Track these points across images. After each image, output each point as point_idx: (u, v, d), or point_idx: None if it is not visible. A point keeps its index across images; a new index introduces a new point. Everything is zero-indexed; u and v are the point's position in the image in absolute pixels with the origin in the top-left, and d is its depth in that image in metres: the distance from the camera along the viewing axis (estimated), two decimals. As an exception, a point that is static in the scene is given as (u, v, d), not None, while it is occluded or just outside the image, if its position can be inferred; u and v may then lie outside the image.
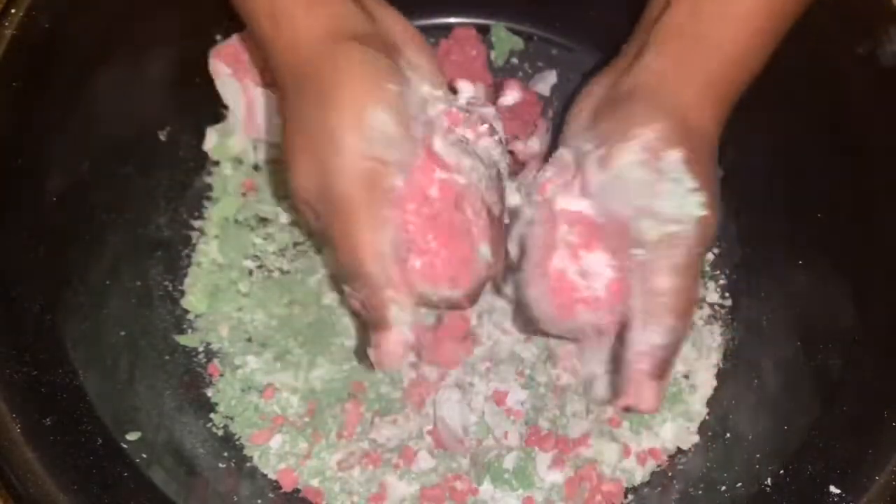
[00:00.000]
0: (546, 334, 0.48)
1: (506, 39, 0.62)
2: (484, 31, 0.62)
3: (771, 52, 0.42)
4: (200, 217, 0.58)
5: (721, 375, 0.54)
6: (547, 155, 0.59)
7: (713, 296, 0.56)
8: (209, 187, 0.59)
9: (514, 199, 0.45)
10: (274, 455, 0.51)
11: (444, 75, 0.43)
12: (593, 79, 0.46)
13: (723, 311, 0.56)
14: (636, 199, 0.37)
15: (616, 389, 0.41)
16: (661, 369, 0.39)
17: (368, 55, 0.37)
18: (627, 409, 0.40)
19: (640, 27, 0.45)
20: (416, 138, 0.39)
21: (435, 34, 0.62)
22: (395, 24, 0.41)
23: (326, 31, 0.37)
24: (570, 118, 0.46)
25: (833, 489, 0.42)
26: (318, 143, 0.37)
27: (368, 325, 0.41)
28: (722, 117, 0.41)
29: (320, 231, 0.40)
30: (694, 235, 0.37)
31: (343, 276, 0.40)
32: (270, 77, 0.54)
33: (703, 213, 0.36)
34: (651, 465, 0.52)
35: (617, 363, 0.41)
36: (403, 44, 0.40)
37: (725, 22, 0.39)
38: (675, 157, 0.36)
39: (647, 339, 0.38)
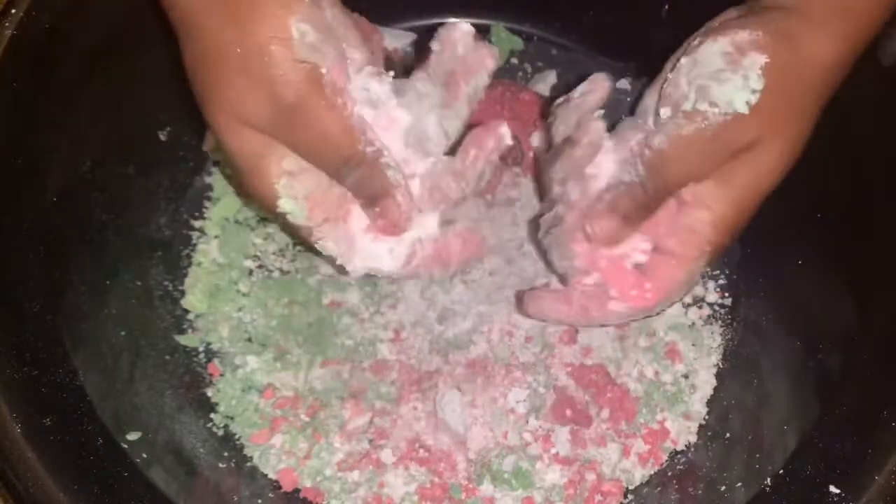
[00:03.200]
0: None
1: (506, 39, 0.62)
2: (484, 31, 0.62)
3: None
4: (201, 217, 0.58)
5: (721, 375, 0.54)
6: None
7: (713, 296, 0.56)
8: (209, 187, 0.59)
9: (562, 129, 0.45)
10: (274, 455, 0.51)
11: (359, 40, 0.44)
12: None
13: (723, 311, 0.56)
14: (700, 78, 0.38)
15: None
16: (615, 203, 0.41)
17: None
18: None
19: None
20: (336, 41, 0.40)
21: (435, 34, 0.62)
22: None
23: None
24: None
25: (833, 489, 0.42)
26: (248, 63, 0.38)
27: (367, 204, 0.42)
28: (845, 54, 0.40)
29: (254, 149, 0.40)
30: (719, 123, 0.37)
31: (331, 170, 0.41)
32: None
33: (744, 110, 0.37)
34: (651, 465, 0.52)
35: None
36: None
37: None
38: (757, 58, 0.37)
39: (617, 178, 0.41)
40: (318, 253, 0.44)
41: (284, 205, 0.41)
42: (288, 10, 0.38)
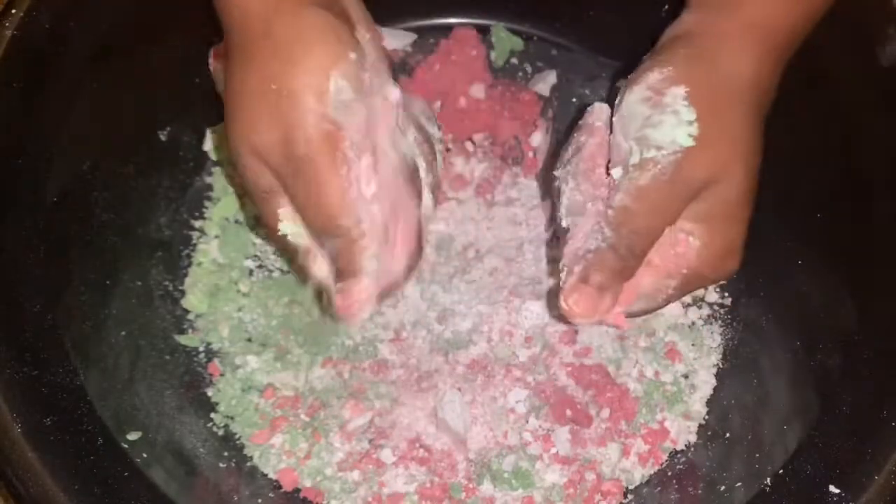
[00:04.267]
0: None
1: (506, 40, 0.62)
2: (484, 31, 0.62)
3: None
4: (201, 217, 0.58)
5: (721, 375, 0.54)
6: (550, 151, 0.59)
7: (713, 296, 0.56)
8: (209, 187, 0.59)
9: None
10: (274, 455, 0.52)
11: (388, 62, 0.44)
12: None
13: (722, 311, 0.56)
14: (635, 129, 0.38)
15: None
16: (589, 274, 0.39)
17: (330, 21, 0.39)
18: (563, 318, 0.41)
19: None
20: (370, 106, 0.40)
21: (435, 34, 0.62)
22: (352, 3, 0.42)
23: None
24: None
25: (832, 489, 0.42)
26: (280, 102, 0.38)
27: (336, 275, 0.42)
28: (766, 62, 0.39)
29: (266, 186, 0.41)
30: (671, 163, 0.37)
31: (314, 230, 0.41)
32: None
33: (690, 143, 0.36)
34: (651, 465, 0.52)
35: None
36: (357, 21, 0.42)
37: None
38: (676, 91, 0.37)
39: (585, 246, 0.40)
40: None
41: (284, 228, 0.41)
42: (332, 62, 0.38)
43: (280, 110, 0.38)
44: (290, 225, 0.41)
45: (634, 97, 0.38)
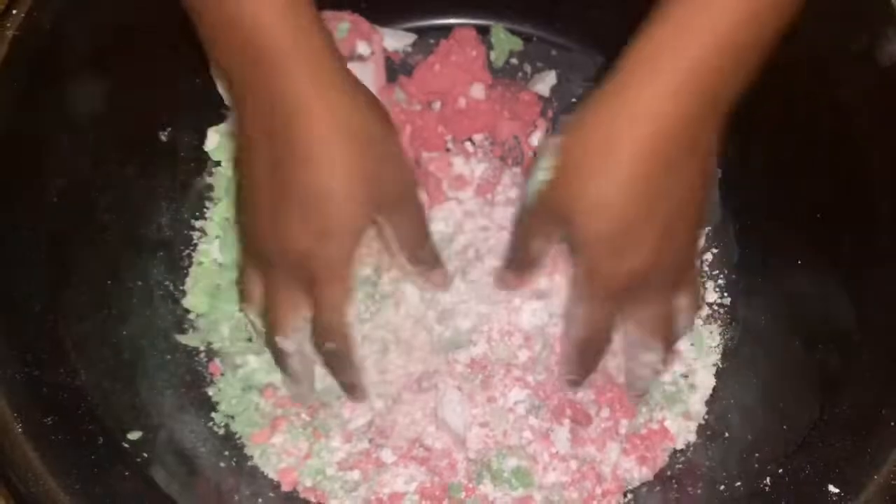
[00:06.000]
0: None
1: (505, 40, 0.62)
2: (484, 31, 0.62)
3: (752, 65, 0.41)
4: (202, 217, 0.58)
5: (720, 375, 0.54)
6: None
7: (712, 295, 0.57)
8: (210, 188, 0.59)
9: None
10: (274, 454, 0.52)
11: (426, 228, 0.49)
12: None
13: (722, 311, 0.56)
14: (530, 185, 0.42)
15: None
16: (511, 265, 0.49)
17: (355, 121, 0.41)
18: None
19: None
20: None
21: (435, 34, 0.62)
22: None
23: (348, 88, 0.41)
24: None
25: (832, 488, 0.42)
26: (307, 202, 0.40)
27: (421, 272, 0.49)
28: (685, 99, 0.38)
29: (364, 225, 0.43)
30: (533, 205, 0.41)
31: (412, 252, 0.48)
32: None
33: (538, 181, 0.40)
34: (651, 465, 0.52)
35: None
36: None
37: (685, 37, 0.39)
38: (552, 142, 0.40)
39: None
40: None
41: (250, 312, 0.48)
42: (356, 165, 0.41)
43: (307, 212, 0.40)
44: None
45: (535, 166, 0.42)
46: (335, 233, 0.41)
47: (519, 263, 0.49)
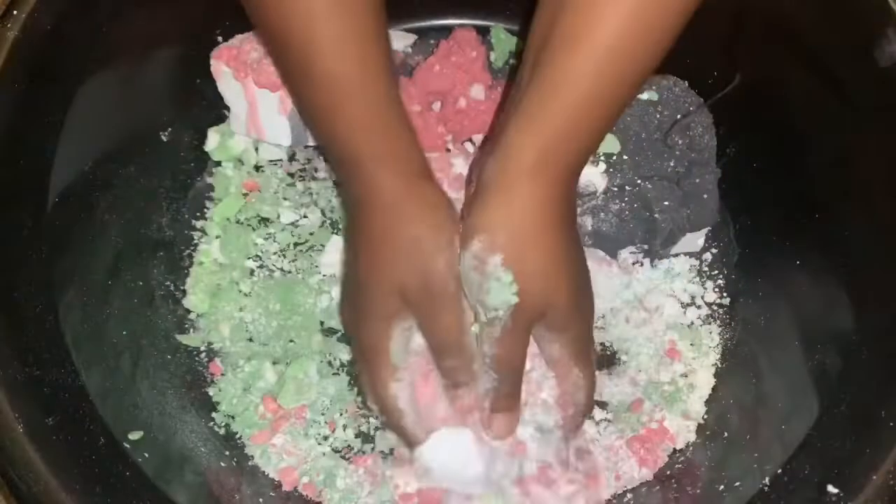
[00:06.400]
0: None
1: (505, 41, 0.62)
2: (484, 32, 0.62)
3: (612, 117, 0.45)
4: (202, 217, 0.58)
5: (719, 375, 0.54)
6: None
7: (711, 296, 0.57)
8: (211, 188, 0.59)
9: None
10: (275, 454, 0.52)
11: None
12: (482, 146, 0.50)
13: (721, 311, 0.56)
14: (474, 294, 0.44)
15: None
16: (496, 404, 0.48)
17: (439, 194, 0.46)
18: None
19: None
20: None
21: (435, 35, 0.62)
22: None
23: (405, 191, 0.45)
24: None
25: (831, 488, 0.42)
26: (425, 247, 0.45)
27: (449, 386, 0.49)
28: (557, 184, 0.44)
29: (393, 315, 0.47)
30: (509, 317, 0.44)
31: (440, 352, 0.48)
32: (269, 78, 0.54)
33: (515, 300, 0.43)
34: (650, 465, 0.52)
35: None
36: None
37: (554, 99, 0.42)
38: (494, 261, 0.43)
39: (484, 385, 0.48)
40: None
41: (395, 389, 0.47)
42: (457, 228, 0.45)
43: (430, 254, 0.45)
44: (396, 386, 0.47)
45: (466, 265, 0.44)
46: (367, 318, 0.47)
47: (511, 392, 0.48)
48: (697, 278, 0.57)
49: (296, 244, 0.57)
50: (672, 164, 0.54)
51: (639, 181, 0.54)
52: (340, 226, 0.58)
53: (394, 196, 0.44)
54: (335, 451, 0.52)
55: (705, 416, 0.53)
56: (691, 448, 0.53)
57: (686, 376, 0.54)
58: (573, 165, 0.44)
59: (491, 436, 0.48)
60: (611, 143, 0.54)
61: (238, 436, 0.52)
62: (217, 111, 0.58)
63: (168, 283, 0.56)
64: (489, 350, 0.46)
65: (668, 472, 0.52)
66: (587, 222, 0.54)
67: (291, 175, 0.59)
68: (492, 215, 0.43)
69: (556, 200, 0.44)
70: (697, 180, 0.54)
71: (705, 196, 0.54)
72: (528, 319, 0.45)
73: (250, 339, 0.55)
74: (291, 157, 0.60)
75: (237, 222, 0.58)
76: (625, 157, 0.54)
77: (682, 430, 0.53)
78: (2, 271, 0.44)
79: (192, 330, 0.55)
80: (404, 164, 0.45)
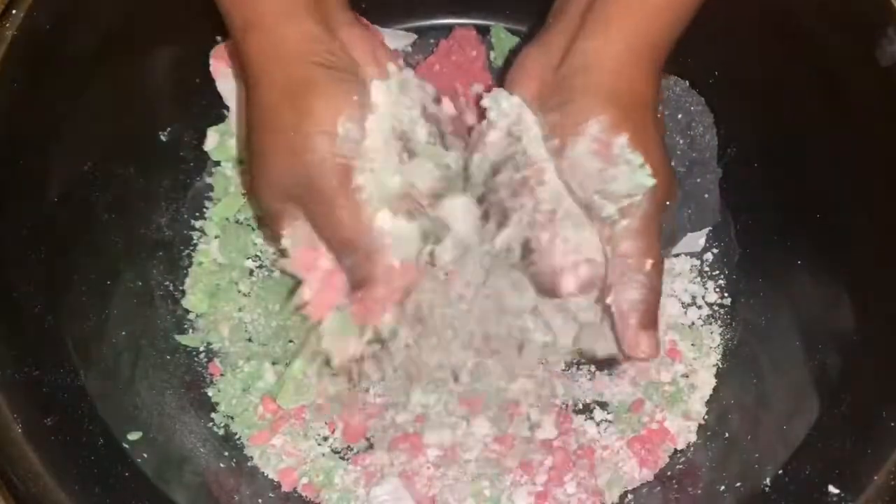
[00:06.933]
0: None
1: (505, 40, 0.62)
2: (484, 31, 0.62)
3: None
4: (201, 217, 0.58)
5: (720, 375, 0.54)
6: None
7: (712, 296, 0.57)
8: (210, 188, 0.59)
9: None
10: (274, 455, 0.52)
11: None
12: (527, 52, 0.47)
13: (722, 311, 0.56)
14: (594, 184, 0.42)
15: (619, 346, 0.45)
16: (647, 319, 0.44)
17: (334, 77, 0.44)
18: (630, 359, 0.45)
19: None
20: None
21: (435, 34, 0.62)
22: (359, 47, 0.46)
23: (298, 53, 0.43)
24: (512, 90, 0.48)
25: (832, 489, 0.42)
26: (296, 145, 0.43)
27: (353, 286, 0.46)
28: (653, 74, 0.43)
29: (282, 213, 0.46)
30: (647, 202, 0.42)
31: (334, 249, 0.46)
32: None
33: (653, 181, 0.41)
34: (651, 465, 0.52)
35: (612, 325, 0.46)
36: (365, 63, 0.46)
37: None
38: (621, 142, 0.41)
39: (627, 297, 0.43)
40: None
41: (285, 242, 0.47)
42: (336, 109, 0.43)
43: (297, 152, 0.43)
44: (288, 239, 0.47)
45: (581, 150, 0.42)
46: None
47: (658, 300, 0.45)
48: (698, 278, 0.57)
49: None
50: (672, 164, 0.54)
51: (639, 181, 0.54)
52: (340, 226, 0.58)
53: (276, 77, 0.43)
54: (334, 451, 0.52)
55: (706, 417, 0.53)
56: (692, 448, 0.52)
57: (687, 376, 0.54)
58: (664, 45, 0.44)
59: (641, 356, 0.44)
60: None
61: (237, 436, 0.52)
62: (216, 111, 0.58)
63: (167, 283, 0.56)
64: (628, 248, 0.43)
65: (669, 473, 0.52)
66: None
67: (291, 175, 0.59)
68: (606, 95, 0.41)
69: (651, 85, 0.43)
70: (698, 180, 0.53)
71: (706, 196, 0.54)
72: (662, 205, 0.43)
73: (249, 340, 0.55)
74: (291, 157, 0.60)
75: (236, 222, 0.58)
76: (625, 156, 0.54)
77: (682, 430, 0.53)
78: (1, 271, 0.44)
79: (191, 330, 0.55)
80: (297, 21, 0.44)
